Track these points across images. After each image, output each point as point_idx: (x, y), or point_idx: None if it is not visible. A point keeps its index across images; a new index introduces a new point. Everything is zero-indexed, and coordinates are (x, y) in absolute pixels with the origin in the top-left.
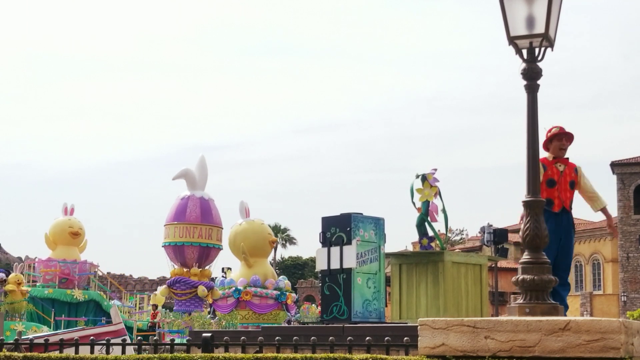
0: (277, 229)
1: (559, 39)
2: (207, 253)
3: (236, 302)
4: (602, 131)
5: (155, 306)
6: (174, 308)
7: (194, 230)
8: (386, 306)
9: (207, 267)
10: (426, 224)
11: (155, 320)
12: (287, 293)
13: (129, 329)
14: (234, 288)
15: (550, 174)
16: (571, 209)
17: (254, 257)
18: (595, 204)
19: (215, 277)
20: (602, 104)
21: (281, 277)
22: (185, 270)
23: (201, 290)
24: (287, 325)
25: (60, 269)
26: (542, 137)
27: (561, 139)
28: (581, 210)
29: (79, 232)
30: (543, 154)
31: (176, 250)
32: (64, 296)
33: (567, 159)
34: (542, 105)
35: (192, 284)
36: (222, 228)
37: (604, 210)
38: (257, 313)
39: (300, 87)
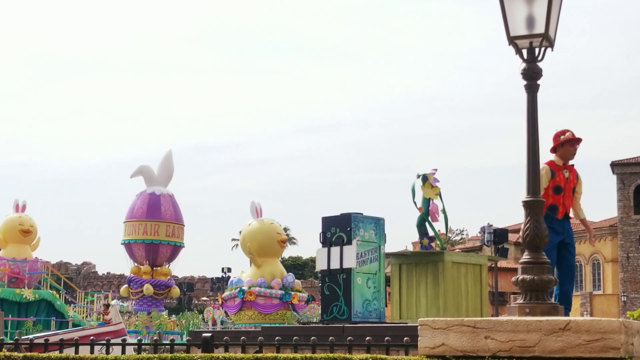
0: None
1: (559, 39)
2: (155, 250)
3: (241, 302)
4: (602, 131)
5: (107, 305)
6: (134, 307)
7: (139, 227)
8: (386, 306)
9: (167, 265)
10: (427, 223)
11: (107, 317)
12: (293, 292)
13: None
14: (239, 288)
15: (557, 181)
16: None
17: (263, 257)
18: (579, 212)
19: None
20: (602, 105)
21: (288, 274)
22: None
23: (145, 288)
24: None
25: (10, 267)
26: (541, 138)
27: (573, 144)
28: None
29: (30, 229)
30: (548, 156)
31: (127, 248)
32: (12, 296)
33: (573, 165)
34: (543, 106)
35: (141, 282)
36: (178, 224)
37: (584, 221)
38: (263, 313)
39: (300, 87)
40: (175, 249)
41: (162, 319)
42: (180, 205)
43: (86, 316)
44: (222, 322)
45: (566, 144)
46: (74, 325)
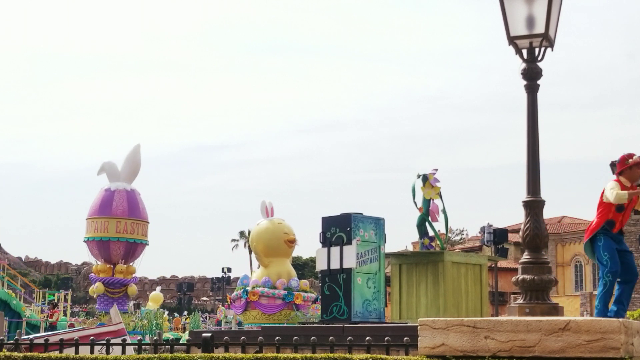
0: None
1: (562, 38)
2: (105, 247)
3: (246, 302)
4: (602, 131)
5: (53, 305)
6: (96, 307)
7: (92, 224)
8: (386, 306)
9: (122, 262)
10: (427, 223)
11: (52, 319)
12: (296, 293)
13: (35, 327)
14: (243, 289)
15: None
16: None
17: (270, 257)
18: None
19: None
20: (604, 105)
21: (292, 279)
22: (107, 266)
23: (95, 286)
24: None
25: None
26: (542, 138)
27: None
28: (580, 210)
29: None
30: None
31: (87, 246)
32: None
33: (638, 185)
34: (546, 105)
35: (95, 280)
36: (133, 220)
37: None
38: (267, 314)
39: (301, 87)
40: (130, 245)
41: (126, 318)
42: (179, 205)
43: (45, 316)
44: (239, 323)
45: (634, 167)
46: (29, 325)
